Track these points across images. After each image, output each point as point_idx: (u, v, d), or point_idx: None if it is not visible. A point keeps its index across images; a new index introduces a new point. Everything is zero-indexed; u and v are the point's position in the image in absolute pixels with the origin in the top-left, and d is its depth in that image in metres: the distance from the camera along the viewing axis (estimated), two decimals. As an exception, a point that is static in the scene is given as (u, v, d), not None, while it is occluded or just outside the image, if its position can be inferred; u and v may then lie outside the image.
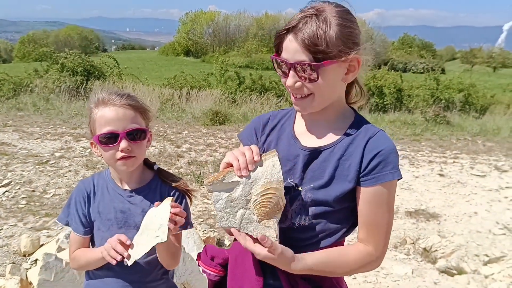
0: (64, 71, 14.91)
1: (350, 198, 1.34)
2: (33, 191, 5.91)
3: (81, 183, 1.70)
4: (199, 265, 1.55)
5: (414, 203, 6.46)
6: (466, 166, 8.56)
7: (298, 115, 1.46)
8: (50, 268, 2.63)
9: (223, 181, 1.25)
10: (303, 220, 1.35)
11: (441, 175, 7.91)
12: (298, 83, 1.27)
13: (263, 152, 1.34)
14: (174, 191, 1.65)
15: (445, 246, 5.26)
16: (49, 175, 6.54)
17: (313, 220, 1.34)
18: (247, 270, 1.38)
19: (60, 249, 3.70)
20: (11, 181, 6.13)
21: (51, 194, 5.84)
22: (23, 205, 5.41)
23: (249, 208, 1.27)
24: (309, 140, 1.39)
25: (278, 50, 1.30)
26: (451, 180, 7.61)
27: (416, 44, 58.70)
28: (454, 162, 8.91)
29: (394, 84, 17.52)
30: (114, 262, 1.46)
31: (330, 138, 1.36)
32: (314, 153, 1.35)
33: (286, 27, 1.25)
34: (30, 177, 6.37)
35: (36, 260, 3.91)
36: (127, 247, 1.46)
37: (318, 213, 1.34)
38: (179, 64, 35.42)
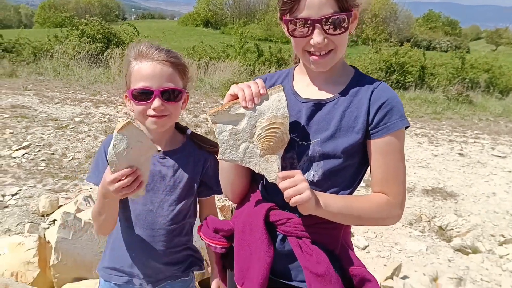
0: (84, 38, 14.91)
1: (357, 152, 1.32)
2: (53, 154, 6.00)
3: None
4: (201, 239, 1.49)
5: (431, 181, 6.39)
6: (487, 147, 8.41)
7: (297, 73, 1.43)
8: (68, 227, 2.66)
9: (228, 112, 1.23)
10: (312, 176, 1.31)
11: (461, 154, 7.78)
12: (326, 39, 1.24)
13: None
14: (210, 156, 1.61)
15: (461, 225, 5.22)
16: (69, 139, 6.61)
17: (322, 177, 1.31)
18: (256, 239, 1.33)
19: (78, 210, 3.76)
20: (30, 144, 6.22)
21: (70, 158, 5.92)
22: (43, 167, 5.50)
23: (252, 142, 1.25)
24: (311, 94, 1.36)
25: (291, 11, 1.25)
26: (470, 160, 7.49)
27: (441, 21, 57.04)
28: (474, 142, 8.75)
29: (417, 61, 17.09)
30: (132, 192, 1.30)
31: (333, 91, 1.34)
32: (317, 106, 1.33)
33: None
34: (49, 141, 6.46)
35: (54, 220, 3.99)
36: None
37: (328, 169, 1.30)
38: (198, 34, 35.09)
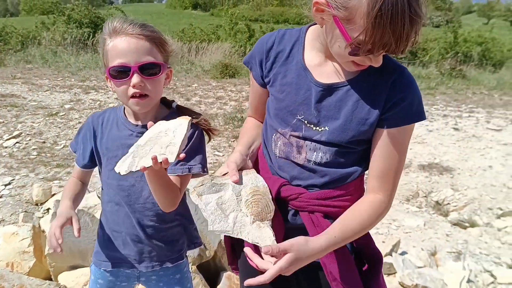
0: (71, 23, 14.66)
1: (366, 140, 1.26)
2: (44, 142, 5.91)
3: (91, 116, 1.57)
4: None
5: (427, 156, 6.38)
6: (482, 120, 8.40)
7: (308, 42, 1.30)
8: (61, 215, 2.61)
9: (212, 181, 1.23)
10: (320, 158, 1.26)
11: (455, 129, 7.77)
12: None
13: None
14: (192, 128, 1.49)
15: (458, 200, 5.23)
16: (59, 127, 6.51)
17: (331, 159, 1.26)
18: None
19: (72, 198, 3.71)
20: (21, 133, 6.12)
21: (62, 146, 5.83)
22: (34, 156, 5.41)
23: (241, 209, 1.21)
24: (322, 75, 1.25)
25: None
26: (466, 134, 7.48)
27: (432, -4, 56.52)
28: (469, 116, 8.74)
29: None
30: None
31: (347, 73, 1.22)
32: (328, 91, 1.23)
33: None
34: (40, 129, 6.36)
35: (48, 209, 3.93)
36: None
37: (337, 153, 1.25)
38: (187, 17, 34.55)
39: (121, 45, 1.34)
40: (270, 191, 1.26)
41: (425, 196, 5.28)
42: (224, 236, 1.49)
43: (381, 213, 1.27)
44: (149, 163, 1.14)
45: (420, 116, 1.21)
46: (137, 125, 1.48)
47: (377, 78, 1.20)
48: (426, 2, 1.04)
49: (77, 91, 8.78)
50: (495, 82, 12.87)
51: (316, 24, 1.27)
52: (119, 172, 1.19)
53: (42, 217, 3.78)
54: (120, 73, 1.35)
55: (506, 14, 54.11)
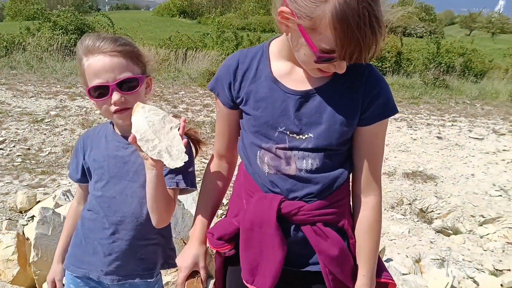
0: (57, 29, 14.54)
1: (349, 139, 1.30)
2: (29, 149, 5.85)
3: (87, 131, 1.62)
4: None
5: (411, 165, 6.46)
6: (464, 129, 8.55)
7: (273, 54, 1.30)
8: (47, 223, 2.59)
9: None
10: (310, 165, 1.26)
11: (439, 137, 7.89)
12: None
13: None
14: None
15: (442, 207, 5.31)
16: (45, 134, 6.46)
17: (320, 165, 1.27)
18: (268, 236, 1.27)
19: (57, 206, 3.67)
20: (5, 139, 6.05)
21: (47, 152, 5.78)
22: (19, 163, 5.36)
23: None
24: (295, 82, 1.26)
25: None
26: (449, 143, 7.60)
27: (416, 6, 57.35)
28: (452, 125, 8.88)
29: (394, 47, 17.15)
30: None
31: (319, 79, 1.23)
32: (305, 97, 1.25)
33: None
34: (25, 135, 6.29)
35: (32, 217, 3.88)
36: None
37: (325, 158, 1.27)
38: (175, 25, 34.50)
39: (97, 65, 1.36)
40: None
41: (410, 204, 5.35)
42: (218, 264, 1.47)
43: (381, 208, 1.33)
44: (178, 138, 1.27)
45: (395, 109, 1.28)
46: (124, 137, 1.49)
47: (351, 77, 1.23)
48: (385, 12, 1.08)
49: (63, 97, 8.72)
50: (477, 92, 13.11)
51: (279, 37, 1.30)
52: (182, 164, 1.26)
53: (27, 224, 3.73)
54: (100, 93, 1.37)
55: (488, 26, 55.17)
